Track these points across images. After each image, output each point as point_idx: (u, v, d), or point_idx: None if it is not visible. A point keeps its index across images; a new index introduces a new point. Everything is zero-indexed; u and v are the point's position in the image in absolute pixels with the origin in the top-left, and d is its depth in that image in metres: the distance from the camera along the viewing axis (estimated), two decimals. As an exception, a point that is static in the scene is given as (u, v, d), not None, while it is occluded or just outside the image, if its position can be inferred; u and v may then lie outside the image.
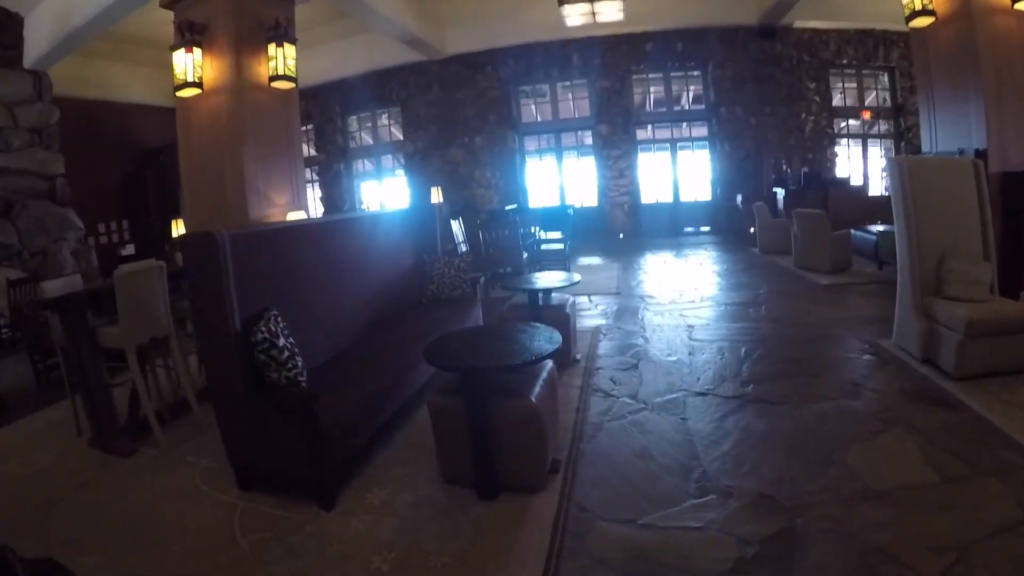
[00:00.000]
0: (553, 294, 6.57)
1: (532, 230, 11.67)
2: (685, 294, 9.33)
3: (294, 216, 9.54)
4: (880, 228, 10.96)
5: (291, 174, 9.84)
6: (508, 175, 18.34)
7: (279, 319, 4.11)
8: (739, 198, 16.73)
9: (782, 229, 12.56)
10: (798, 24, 17.20)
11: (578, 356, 6.39)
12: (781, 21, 16.80)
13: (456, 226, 11.17)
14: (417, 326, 5.92)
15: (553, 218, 13.11)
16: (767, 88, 17.38)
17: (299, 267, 5.00)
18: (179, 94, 8.72)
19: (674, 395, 5.25)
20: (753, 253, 13.26)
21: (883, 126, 18.84)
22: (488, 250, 9.52)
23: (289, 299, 4.60)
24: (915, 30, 9.02)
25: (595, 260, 13.43)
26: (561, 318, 5.94)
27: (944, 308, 5.43)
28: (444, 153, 18.36)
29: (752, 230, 15.93)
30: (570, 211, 10.84)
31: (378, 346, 5.38)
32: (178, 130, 9.26)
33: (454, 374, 3.91)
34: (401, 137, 19.19)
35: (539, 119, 19.03)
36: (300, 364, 4.08)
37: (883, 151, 18.92)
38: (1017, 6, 7.71)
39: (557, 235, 12.34)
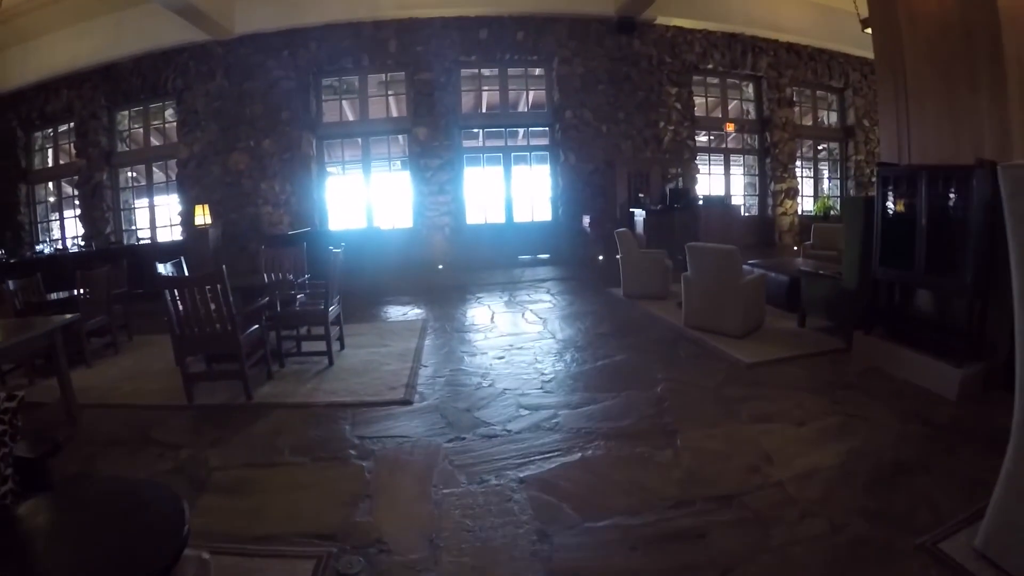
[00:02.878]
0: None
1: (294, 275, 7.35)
2: (528, 399, 4.87)
3: None
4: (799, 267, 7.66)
5: None
6: (303, 189, 13.53)
7: None
8: (586, 220, 12.87)
9: (654, 266, 8.76)
10: (661, 20, 13.64)
11: None
12: (642, 14, 13.17)
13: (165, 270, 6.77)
14: None
15: (314, 257, 7.76)
16: (622, 91, 13.63)
17: None
18: None
19: None
20: (616, 297, 9.06)
21: (747, 140, 15.73)
22: (186, 326, 5.13)
23: None
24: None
25: (398, 310, 8.93)
26: None
27: None
28: (225, 159, 13.38)
29: (600, 258, 12.30)
30: (338, 248, 6.17)
31: None
32: None
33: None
34: (176, 139, 13.93)
35: (345, 118, 14.38)
36: None
37: (745, 169, 15.80)
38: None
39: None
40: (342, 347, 6.57)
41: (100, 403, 5.33)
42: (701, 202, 11.78)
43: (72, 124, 14.32)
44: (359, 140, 14.02)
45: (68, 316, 5.20)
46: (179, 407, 5.09)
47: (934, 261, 5.04)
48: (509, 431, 4.24)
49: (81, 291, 7.04)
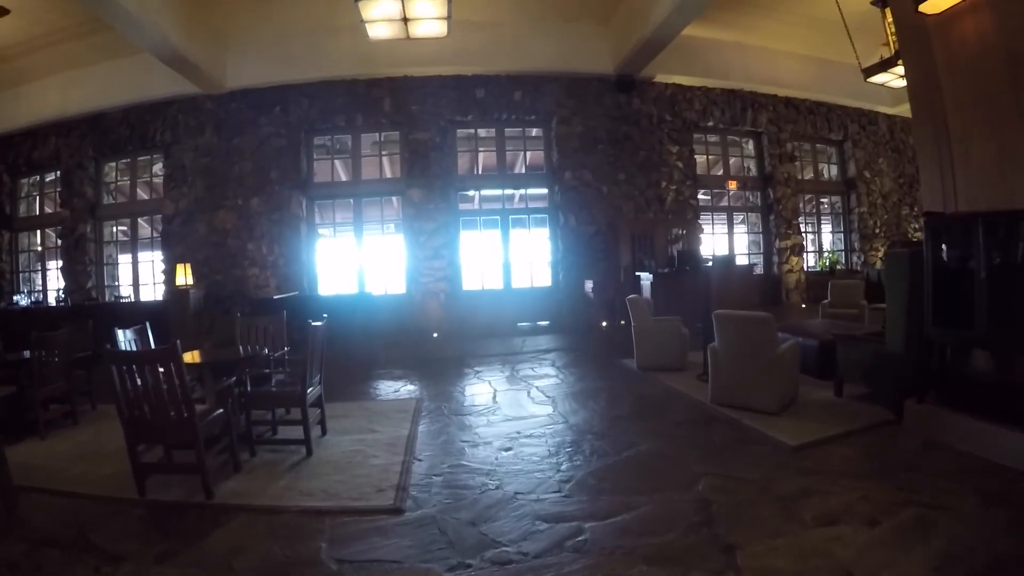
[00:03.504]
0: None
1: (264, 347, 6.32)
2: (545, 506, 3.95)
3: None
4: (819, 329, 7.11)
5: None
6: (292, 251, 12.73)
7: None
8: (589, 285, 12.08)
9: (670, 335, 7.87)
10: (660, 77, 13.16)
11: None
12: (641, 72, 12.69)
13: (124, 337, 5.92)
14: None
15: (298, 325, 6.10)
16: (623, 150, 13.04)
17: None
18: None
19: None
20: (629, 370, 8.13)
21: (748, 198, 15.18)
22: (136, 408, 4.22)
23: None
24: (909, 27, 5.76)
25: (389, 387, 7.92)
26: None
27: None
28: (212, 217, 12.64)
29: (604, 324, 11.56)
30: (320, 319, 4.96)
31: None
32: None
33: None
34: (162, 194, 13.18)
35: (337, 178, 13.70)
36: None
37: (749, 227, 15.20)
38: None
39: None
40: (324, 432, 5.64)
41: (44, 487, 4.55)
42: (710, 263, 11.01)
43: (58, 173, 13.79)
44: (351, 201, 13.27)
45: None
46: (130, 501, 4.24)
47: (997, 317, 4.38)
48: (526, 554, 3.31)
49: (36, 354, 6.14)
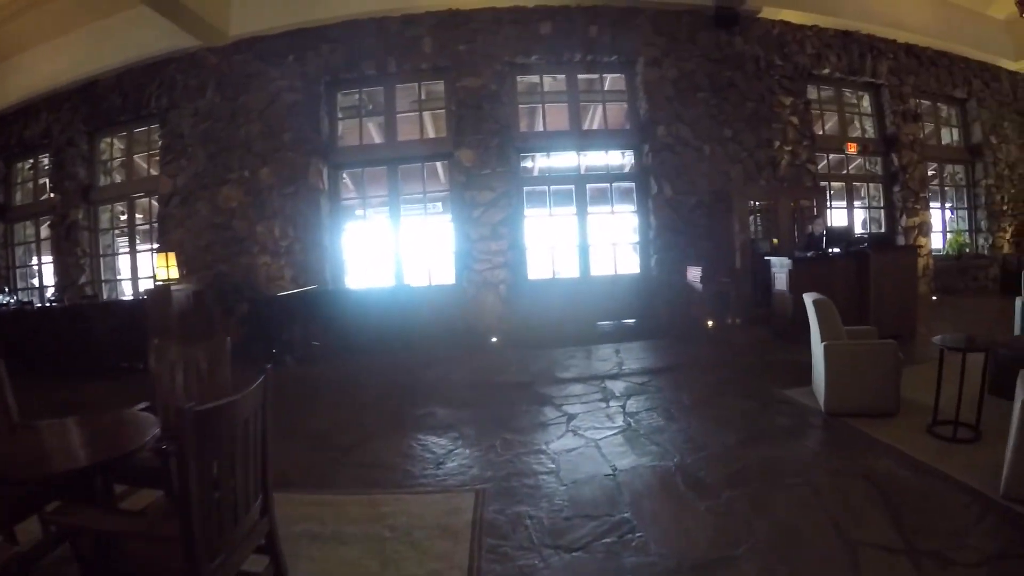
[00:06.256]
0: None
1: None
2: None
3: None
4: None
5: None
6: (311, 234, 9.46)
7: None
8: (695, 274, 8.62)
9: (874, 359, 4.39)
10: (767, 12, 9.73)
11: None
12: (744, 4, 9.33)
13: None
14: None
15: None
16: (727, 100, 9.63)
17: None
18: None
19: None
20: (807, 412, 4.65)
21: (867, 164, 11.59)
22: None
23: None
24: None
25: (427, 448, 4.22)
26: None
27: None
28: (214, 194, 9.54)
29: (710, 324, 8.22)
30: (264, 370, 2.17)
31: None
32: None
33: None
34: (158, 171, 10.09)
35: (366, 141, 10.24)
36: None
37: (869, 200, 11.53)
38: None
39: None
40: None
41: None
42: (864, 245, 7.45)
43: (47, 156, 11.19)
44: (385, 170, 9.92)
45: None
46: None
47: None
48: None
49: None
